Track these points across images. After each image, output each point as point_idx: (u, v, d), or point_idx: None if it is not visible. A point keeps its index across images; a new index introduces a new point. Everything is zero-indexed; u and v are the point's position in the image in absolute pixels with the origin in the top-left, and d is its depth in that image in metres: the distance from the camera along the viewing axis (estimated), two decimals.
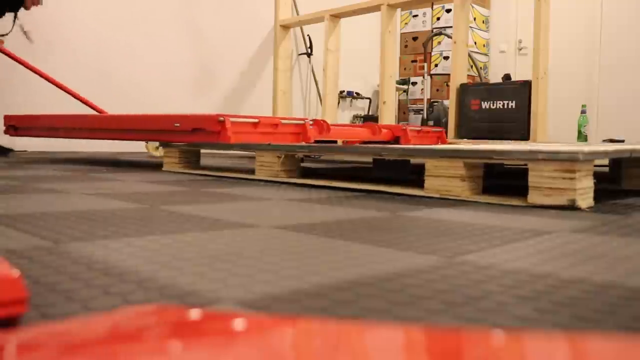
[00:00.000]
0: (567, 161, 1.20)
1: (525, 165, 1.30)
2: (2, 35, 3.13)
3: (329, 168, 2.63)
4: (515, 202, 1.31)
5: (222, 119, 2.01)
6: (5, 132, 3.05)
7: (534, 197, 1.26)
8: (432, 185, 1.42)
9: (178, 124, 2.16)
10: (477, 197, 1.37)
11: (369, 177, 2.03)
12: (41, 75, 3.20)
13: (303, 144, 2.09)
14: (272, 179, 1.82)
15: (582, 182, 1.23)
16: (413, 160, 2.18)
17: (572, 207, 1.20)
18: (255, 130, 2.12)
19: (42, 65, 3.79)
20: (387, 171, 2.18)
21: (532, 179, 1.26)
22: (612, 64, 5.08)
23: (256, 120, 2.12)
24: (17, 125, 2.97)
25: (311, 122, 2.32)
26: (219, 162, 2.96)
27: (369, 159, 3.54)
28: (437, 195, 1.41)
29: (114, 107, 4.07)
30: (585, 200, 1.24)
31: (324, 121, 2.36)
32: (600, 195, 1.53)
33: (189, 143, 2.15)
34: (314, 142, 2.26)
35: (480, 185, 1.43)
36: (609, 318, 0.47)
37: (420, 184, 1.48)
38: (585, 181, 1.25)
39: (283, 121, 2.22)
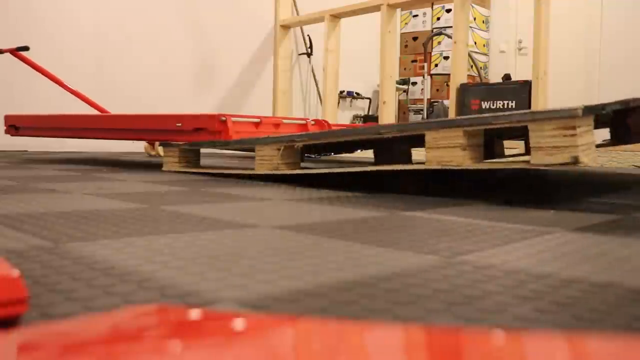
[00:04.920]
0: (567, 118, 1.18)
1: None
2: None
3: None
4: (519, 164, 1.28)
5: (223, 118, 2.02)
6: (6, 132, 3.05)
7: (537, 158, 1.23)
8: (433, 157, 1.40)
9: (180, 124, 2.16)
10: (478, 165, 1.35)
11: (370, 163, 2.03)
12: (48, 76, 3.19)
13: (302, 132, 2.08)
14: (273, 173, 1.79)
15: (583, 137, 1.20)
16: (415, 160, 2.18)
17: (575, 163, 1.18)
18: (257, 130, 2.12)
19: (40, 63, 3.80)
20: (389, 160, 2.16)
21: (534, 139, 1.23)
22: (612, 64, 5.08)
23: (258, 120, 2.12)
24: (18, 125, 2.97)
25: (313, 122, 2.32)
26: (219, 162, 2.96)
27: (370, 155, 3.54)
28: (439, 167, 1.38)
29: (113, 105, 4.08)
30: (588, 156, 1.21)
31: (325, 121, 2.37)
32: (600, 195, 1.53)
33: (190, 142, 2.15)
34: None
35: (481, 154, 1.40)
36: (608, 318, 0.47)
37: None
38: (587, 137, 1.22)
39: (285, 121, 2.22)
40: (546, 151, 1.21)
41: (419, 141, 1.58)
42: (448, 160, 1.37)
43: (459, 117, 1.39)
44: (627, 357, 0.25)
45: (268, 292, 0.53)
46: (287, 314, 0.46)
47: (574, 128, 1.17)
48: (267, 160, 1.83)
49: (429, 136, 1.41)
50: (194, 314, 0.33)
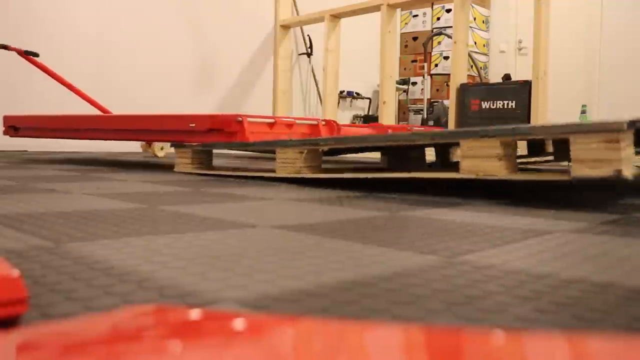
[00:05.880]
0: (612, 132, 1.16)
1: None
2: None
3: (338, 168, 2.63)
4: (558, 176, 1.27)
5: (240, 119, 2.03)
6: (5, 132, 3.03)
7: (578, 170, 1.21)
8: (468, 166, 1.37)
9: (193, 124, 2.15)
10: (514, 176, 1.33)
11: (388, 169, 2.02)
12: (56, 78, 3.16)
13: (326, 136, 2.07)
14: (295, 176, 1.76)
15: (626, 151, 1.18)
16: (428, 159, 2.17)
17: (617, 177, 1.16)
18: (271, 131, 2.13)
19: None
20: (402, 163, 2.13)
21: (575, 152, 1.21)
22: (612, 64, 5.09)
23: (272, 121, 2.14)
24: (18, 126, 2.95)
25: (323, 122, 2.35)
26: (230, 163, 2.96)
27: (372, 156, 3.54)
28: (474, 176, 1.36)
29: (113, 105, 4.08)
30: (629, 169, 1.19)
31: (334, 122, 2.39)
32: (601, 194, 1.53)
33: (205, 144, 2.11)
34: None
35: (516, 164, 1.38)
36: (609, 318, 0.47)
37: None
38: (628, 150, 1.20)
39: (298, 121, 2.25)
40: (588, 164, 1.19)
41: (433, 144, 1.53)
42: (483, 170, 1.35)
43: (496, 127, 1.37)
44: (627, 357, 0.24)
45: (269, 292, 0.53)
46: (288, 314, 0.46)
47: (617, 142, 1.16)
48: (290, 164, 1.78)
49: (465, 145, 1.38)
50: (194, 314, 0.33)
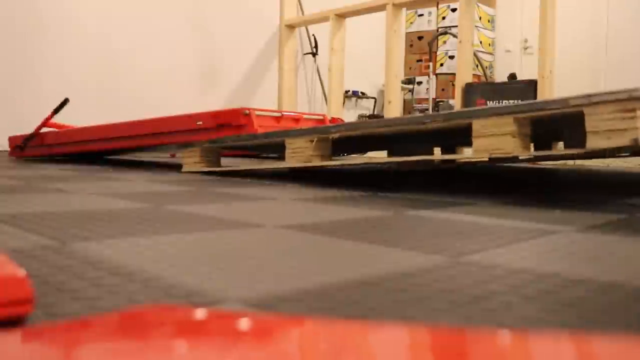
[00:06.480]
0: (626, 100, 1.13)
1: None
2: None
3: (345, 169, 2.63)
4: (572, 150, 1.24)
5: (247, 112, 2.04)
6: (11, 153, 2.99)
7: (593, 142, 1.18)
8: (481, 145, 1.34)
9: (200, 122, 2.16)
10: (528, 154, 1.31)
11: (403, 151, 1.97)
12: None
13: (337, 123, 2.04)
14: (305, 165, 1.74)
15: None
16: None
17: (635, 146, 1.13)
18: (278, 125, 2.14)
19: (45, 63, 3.81)
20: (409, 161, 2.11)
21: (590, 123, 1.18)
22: (618, 62, 5.06)
23: (279, 114, 2.14)
24: (23, 145, 2.92)
25: (330, 118, 2.38)
26: (237, 163, 2.96)
27: (377, 158, 3.54)
28: (487, 156, 1.33)
29: (118, 107, 4.08)
30: None
31: (339, 119, 2.42)
32: (607, 194, 1.53)
33: (214, 139, 2.09)
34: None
35: (529, 143, 1.35)
36: (615, 318, 0.47)
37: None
38: None
39: (305, 116, 2.26)
40: (603, 135, 1.15)
41: (441, 141, 1.51)
42: (498, 148, 1.31)
43: (508, 105, 1.33)
44: (633, 357, 0.24)
45: (273, 291, 0.53)
46: (293, 314, 0.46)
47: (633, 110, 1.12)
48: (299, 152, 1.76)
49: (478, 124, 1.34)
50: (199, 313, 0.33)
